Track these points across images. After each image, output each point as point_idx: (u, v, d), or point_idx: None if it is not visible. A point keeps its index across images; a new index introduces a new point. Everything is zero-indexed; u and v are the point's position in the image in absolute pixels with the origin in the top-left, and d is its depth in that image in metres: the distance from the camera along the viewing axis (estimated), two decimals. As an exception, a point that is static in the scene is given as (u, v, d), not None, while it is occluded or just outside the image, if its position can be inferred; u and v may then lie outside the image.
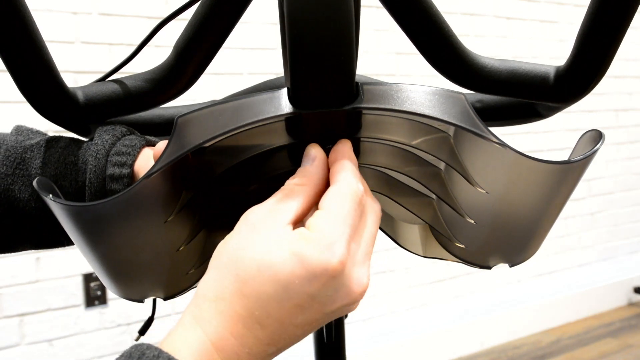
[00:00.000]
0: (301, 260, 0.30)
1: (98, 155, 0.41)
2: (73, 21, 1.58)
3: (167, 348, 0.30)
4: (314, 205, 0.34)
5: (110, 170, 0.41)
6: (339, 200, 0.33)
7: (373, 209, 0.35)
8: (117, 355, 0.30)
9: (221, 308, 0.31)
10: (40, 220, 0.43)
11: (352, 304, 0.33)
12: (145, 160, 0.42)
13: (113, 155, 0.42)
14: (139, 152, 0.42)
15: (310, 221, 0.32)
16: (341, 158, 0.35)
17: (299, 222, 0.33)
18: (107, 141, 0.42)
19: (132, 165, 0.41)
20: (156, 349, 0.29)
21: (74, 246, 0.45)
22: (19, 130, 0.46)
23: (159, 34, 0.48)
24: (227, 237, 0.34)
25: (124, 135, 0.44)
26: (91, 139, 0.44)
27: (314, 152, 0.36)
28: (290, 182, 0.35)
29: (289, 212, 0.33)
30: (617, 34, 0.40)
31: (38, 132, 0.46)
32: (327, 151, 0.37)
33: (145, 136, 0.45)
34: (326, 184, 0.35)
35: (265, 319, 0.31)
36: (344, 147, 0.36)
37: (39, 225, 0.43)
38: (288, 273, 0.30)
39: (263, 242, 0.32)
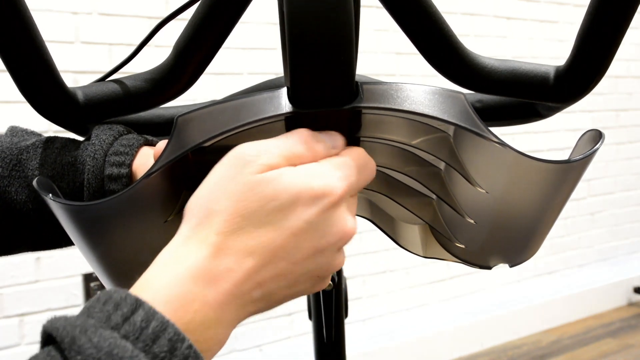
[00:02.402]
0: (307, 177, 0.31)
1: (96, 156, 0.41)
2: (73, 21, 1.58)
3: (136, 291, 0.28)
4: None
5: (109, 171, 0.41)
6: (360, 158, 0.34)
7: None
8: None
9: (205, 240, 0.29)
10: (38, 221, 0.43)
11: (339, 246, 0.32)
12: (144, 160, 0.42)
13: (111, 155, 0.42)
14: (136, 152, 0.42)
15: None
16: None
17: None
18: (104, 141, 0.42)
19: (130, 165, 0.41)
20: (124, 291, 0.27)
21: (74, 246, 0.45)
22: (13, 131, 0.46)
23: (159, 34, 0.48)
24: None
25: (122, 135, 0.44)
26: (88, 138, 0.44)
27: (341, 142, 0.35)
28: (304, 141, 0.33)
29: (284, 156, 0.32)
30: (617, 34, 0.40)
31: (33, 133, 0.46)
32: None
33: (144, 135, 0.45)
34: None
35: (257, 248, 0.30)
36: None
37: (36, 226, 0.43)
38: (294, 189, 0.30)
39: (269, 173, 0.31)
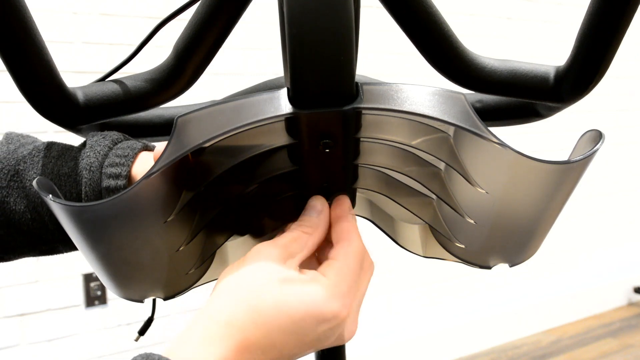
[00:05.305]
0: (317, 305, 0.35)
1: (92, 168, 0.41)
2: (73, 21, 1.58)
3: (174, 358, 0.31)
4: (313, 252, 0.39)
5: (106, 183, 0.41)
6: (351, 257, 0.38)
7: (370, 268, 0.40)
8: (116, 356, 0.30)
9: (232, 333, 0.33)
10: (37, 230, 0.43)
11: (339, 344, 0.37)
12: (143, 165, 0.42)
13: (107, 167, 0.41)
14: (133, 161, 0.42)
15: (325, 270, 0.37)
16: (346, 216, 0.40)
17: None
18: (99, 152, 0.42)
19: (127, 177, 0.41)
20: (164, 357, 0.30)
21: (73, 252, 0.45)
22: (8, 138, 0.45)
23: (159, 34, 0.48)
24: (237, 265, 0.36)
25: (116, 144, 0.43)
26: (83, 145, 0.44)
27: (320, 205, 0.40)
28: (298, 229, 0.39)
29: (297, 257, 0.37)
30: (617, 34, 0.40)
31: (29, 137, 0.46)
32: (326, 154, 0.37)
33: (141, 140, 0.45)
34: (326, 235, 0.40)
35: (270, 348, 0.34)
36: (346, 204, 0.41)
37: (36, 235, 0.43)
38: (303, 313, 0.34)
39: (280, 281, 0.35)
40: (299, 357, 0.36)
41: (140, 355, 0.30)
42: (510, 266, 0.44)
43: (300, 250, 0.38)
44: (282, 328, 0.34)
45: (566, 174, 0.38)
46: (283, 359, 0.35)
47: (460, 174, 0.39)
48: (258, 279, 0.35)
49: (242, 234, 0.46)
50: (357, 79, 0.36)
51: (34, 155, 0.43)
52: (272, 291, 0.34)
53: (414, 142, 0.40)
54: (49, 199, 0.36)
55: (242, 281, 0.35)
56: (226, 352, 0.32)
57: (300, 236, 0.38)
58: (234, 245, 0.47)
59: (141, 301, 0.42)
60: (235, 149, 0.39)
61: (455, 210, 0.41)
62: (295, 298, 0.34)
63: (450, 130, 0.39)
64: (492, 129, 0.36)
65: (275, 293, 0.34)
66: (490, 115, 0.55)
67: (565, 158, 0.38)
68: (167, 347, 0.32)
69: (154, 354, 0.30)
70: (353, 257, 0.38)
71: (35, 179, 0.37)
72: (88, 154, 0.42)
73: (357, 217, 0.49)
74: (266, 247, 0.37)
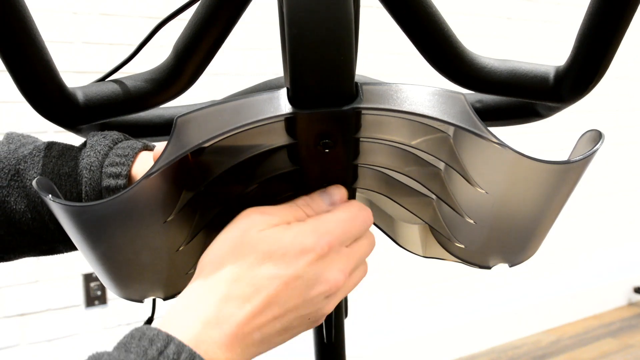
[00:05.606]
0: (296, 235, 0.35)
1: (92, 168, 0.41)
2: (73, 21, 1.58)
3: (165, 329, 0.32)
4: None
5: (106, 182, 0.41)
6: (342, 209, 0.38)
7: (368, 237, 0.40)
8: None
9: (211, 286, 0.34)
10: (37, 229, 0.43)
11: (326, 294, 0.36)
12: (143, 165, 0.42)
13: (107, 166, 0.42)
14: (133, 161, 0.42)
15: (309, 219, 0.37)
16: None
17: None
18: (99, 152, 0.42)
19: (127, 176, 0.41)
20: (155, 328, 0.31)
21: (73, 252, 0.45)
22: (9, 138, 0.46)
23: (159, 34, 0.48)
24: (225, 230, 0.37)
25: (116, 143, 0.44)
26: (83, 145, 0.44)
27: (336, 195, 0.39)
28: (301, 208, 0.38)
29: (283, 219, 0.37)
30: (617, 34, 0.40)
31: (29, 137, 0.46)
32: (326, 154, 0.37)
33: (141, 140, 0.45)
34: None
35: (254, 293, 0.34)
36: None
37: (36, 234, 0.43)
38: (276, 245, 0.34)
39: (256, 230, 0.35)
40: (289, 317, 0.35)
41: (136, 329, 0.32)
42: (510, 266, 0.44)
43: (286, 221, 0.37)
44: (264, 272, 0.34)
45: (566, 174, 0.38)
46: (273, 313, 0.34)
47: (460, 174, 0.39)
48: (235, 234, 0.36)
49: (242, 234, 0.46)
50: (357, 79, 0.36)
51: (35, 155, 0.43)
52: (247, 237, 0.35)
53: (413, 142, 0.40)
54: (49, 199, 0.36)
55: (222, 241, 0.36)
56: (208, 309, 0.33)
57: (297, 212, 0.37)
58: (233, 245, 0.47)
59: (141, 301, 0.42)
60: (235, 149, 0.39)
61: (455, 210, 0.41)
62: (267, 235, 0.35)
63: (450, 131, 0.39)
64: (492, 129, 0.36)
65: (250, 238, 0.35)
66: (490, 115, 0.55)
67: (565, 158, 0.38)
68: (162, 320, 0.33)
69: (142, 327, 0.32)
70: (344, 209, 0.37)
71: (35, 179, 0.37)
72: (88, 153, 0.42)
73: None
74: (252, 211, 0.37)
